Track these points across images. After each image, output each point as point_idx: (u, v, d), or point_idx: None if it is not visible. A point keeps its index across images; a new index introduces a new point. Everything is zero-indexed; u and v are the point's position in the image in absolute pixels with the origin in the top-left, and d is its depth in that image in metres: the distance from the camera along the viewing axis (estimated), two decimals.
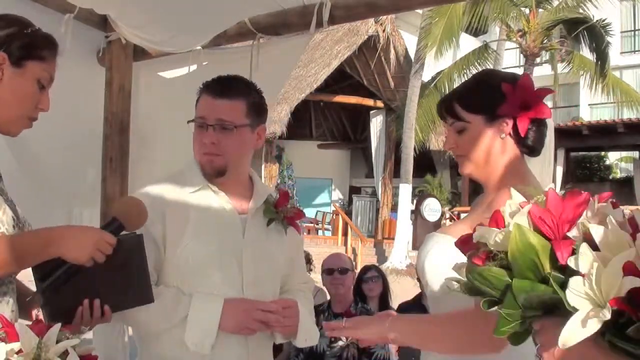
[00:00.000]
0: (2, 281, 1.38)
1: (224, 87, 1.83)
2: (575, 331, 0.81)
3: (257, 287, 1.80)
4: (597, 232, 0.86)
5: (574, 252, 0.87)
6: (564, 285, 0.85)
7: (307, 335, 1.86)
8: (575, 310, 0.82)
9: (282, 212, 1.90)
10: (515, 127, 1.50)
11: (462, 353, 1.44)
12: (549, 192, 0.94)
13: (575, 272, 0.85)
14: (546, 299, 0.88)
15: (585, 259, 0.84)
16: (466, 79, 1.74)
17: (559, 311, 0.86)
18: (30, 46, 1.46)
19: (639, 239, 0.84)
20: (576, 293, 0.83)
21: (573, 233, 0.90)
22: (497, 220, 0.99)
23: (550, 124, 1.59)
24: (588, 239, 0.87)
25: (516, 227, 0.91)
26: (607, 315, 0.79)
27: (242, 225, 1.83)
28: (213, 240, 1.77)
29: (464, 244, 1.05)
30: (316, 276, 4.22)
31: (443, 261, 1.47)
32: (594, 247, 0.85)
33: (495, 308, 0.94)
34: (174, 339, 1.69)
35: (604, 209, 0.92)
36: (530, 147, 1.54)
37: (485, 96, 1.53)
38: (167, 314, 1.68)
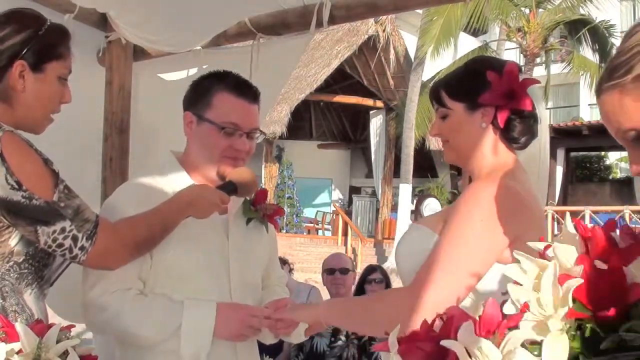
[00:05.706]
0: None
1: (255, 91, 1.78)
2: (555, 352, 0.78)
3: (244, 287, 1.77)
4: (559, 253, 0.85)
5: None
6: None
7: (299, 331, 1.81)
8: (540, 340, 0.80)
9: (260, 210, 1.87)
10: (496, 118, 1.44)
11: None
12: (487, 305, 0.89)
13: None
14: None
15: (516, 294, 0.83)
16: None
17: None
18: (47, 48, 1.43)
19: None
20: (530, 320, 0.80)
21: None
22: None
23: (545, 121, 1.51)
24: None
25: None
26: (559, 322, 0.78)
27: (226, 227, 1.78)
28: (200, 244, 1.72)
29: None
30: (304, 275, 4.21)
31: (410, 250, 1.48)
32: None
33: None
34: (166, 350, 1.63)
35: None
36: (513, 139, 1.47)
37: (468, 84, 1.48)
38: (160, 326, 1.62)
